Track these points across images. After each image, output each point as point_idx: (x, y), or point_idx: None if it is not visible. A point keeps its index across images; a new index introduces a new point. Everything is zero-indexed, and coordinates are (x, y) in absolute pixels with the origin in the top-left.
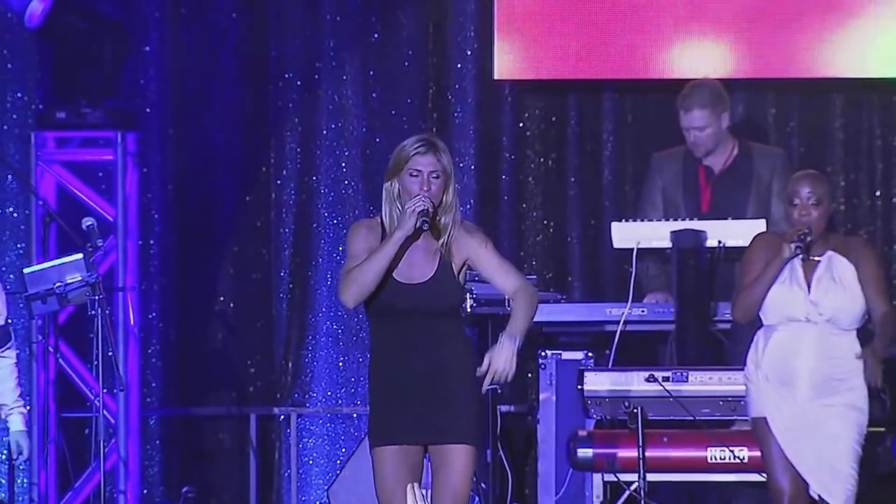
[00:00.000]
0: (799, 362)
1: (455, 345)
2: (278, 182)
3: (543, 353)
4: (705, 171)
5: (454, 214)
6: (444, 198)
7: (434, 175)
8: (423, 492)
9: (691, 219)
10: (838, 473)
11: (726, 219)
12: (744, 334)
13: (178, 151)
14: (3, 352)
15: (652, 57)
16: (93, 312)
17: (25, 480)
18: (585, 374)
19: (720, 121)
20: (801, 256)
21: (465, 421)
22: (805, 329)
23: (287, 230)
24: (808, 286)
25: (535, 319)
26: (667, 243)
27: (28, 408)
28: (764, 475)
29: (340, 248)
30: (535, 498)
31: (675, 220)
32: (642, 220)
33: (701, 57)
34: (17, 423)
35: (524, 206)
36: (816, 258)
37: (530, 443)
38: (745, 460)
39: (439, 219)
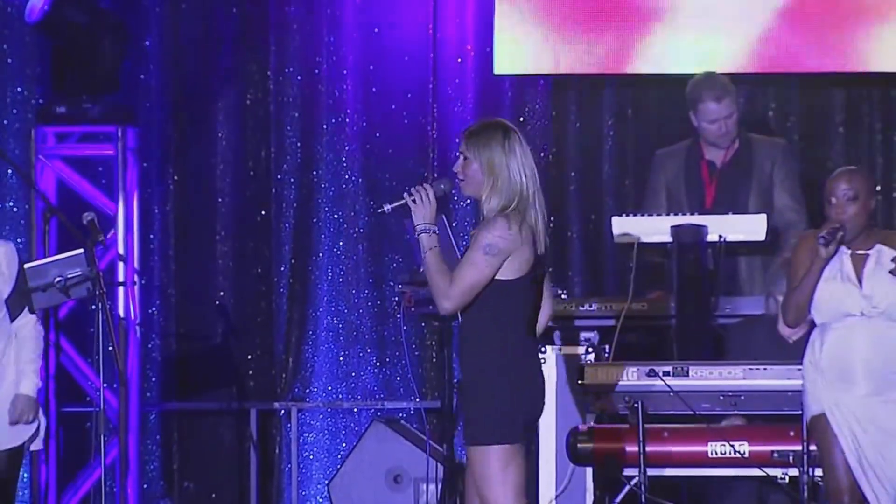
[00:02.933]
0: (856, 358)
1: (474, 343)
2: (278, 177)
3: (543, 348)
4: (708, 166)
5: (487, 201)
6: (485, 183)
7: (462, 156)
8: None
9: (693, 214)
10: (889, 475)
11: (729, 213)
12: (745, 329)
13: (178, 146)
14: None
15: (652, 52)
16: (93, 307)
17: (26, 475)
18: (586, 368)
19: (736, 106)
20: (848, 252)
21: (471, 421)
22: (860, 324)
23: (287, 225)
24: (860, 281)
25: None
26: (667, 238)
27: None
28: (764, 470)
29: (341, 243)
30: (536, 492)
31: (678, 215)
32: (643, 215)
33: (702, 52)
34: (23, 386)
35: None
36: (865, 252)
37: (531, 437)
38: (746, 455)
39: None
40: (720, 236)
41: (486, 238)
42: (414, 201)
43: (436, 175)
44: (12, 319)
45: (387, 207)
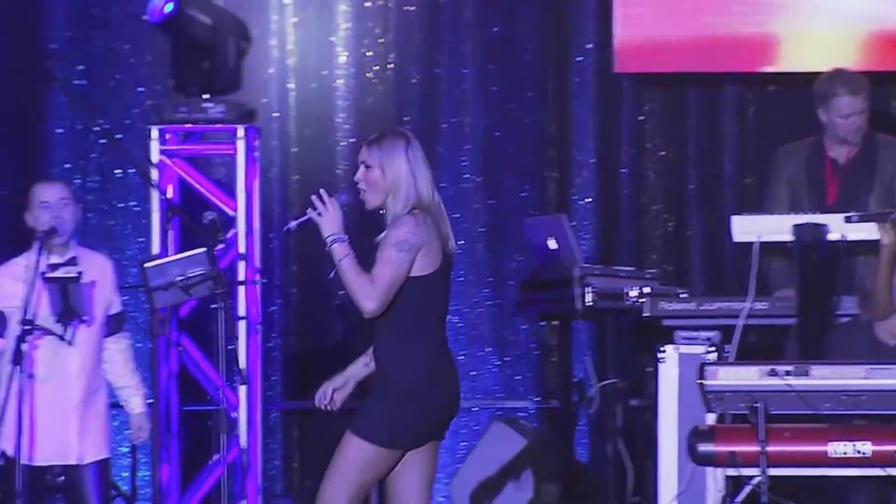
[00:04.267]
0: None
1: (392, 339)
2: None
3: (663, 348)
4: (831, 162)
5: (392, 207)
6: (389, 191)
7: (364, 165)
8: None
9: (814, 212)
10: None
11: (850, 211)
12: (843, 333)
13: (299, 145)
14: (116, 339)
15: (773, 49)
16: (214, 306)
17: (147, 474)
18: (706, 368)
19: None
20: None
21: (367, 413)
22: None
23: None
24: None
25: (651, 314)
26: (788, 237)
27: (145, 393)
28: (887, 471)
29: (461, 243)
30: (656, 492)
31: (800, 213)
32: (763, 214)
33: (823, 49)
34: (137, 405)
35: (644, 200)
36: None
37: (652, 437)
38: (868, 455)
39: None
40: (842, 235)
41: (398, 235)
42: (320, 214)
43: (554, 174)
44: (109, 334)
45: (291, 225)
